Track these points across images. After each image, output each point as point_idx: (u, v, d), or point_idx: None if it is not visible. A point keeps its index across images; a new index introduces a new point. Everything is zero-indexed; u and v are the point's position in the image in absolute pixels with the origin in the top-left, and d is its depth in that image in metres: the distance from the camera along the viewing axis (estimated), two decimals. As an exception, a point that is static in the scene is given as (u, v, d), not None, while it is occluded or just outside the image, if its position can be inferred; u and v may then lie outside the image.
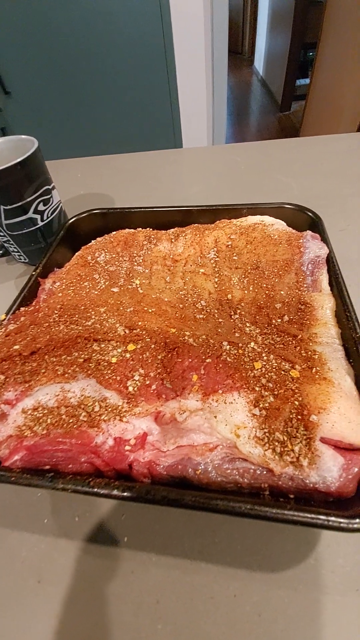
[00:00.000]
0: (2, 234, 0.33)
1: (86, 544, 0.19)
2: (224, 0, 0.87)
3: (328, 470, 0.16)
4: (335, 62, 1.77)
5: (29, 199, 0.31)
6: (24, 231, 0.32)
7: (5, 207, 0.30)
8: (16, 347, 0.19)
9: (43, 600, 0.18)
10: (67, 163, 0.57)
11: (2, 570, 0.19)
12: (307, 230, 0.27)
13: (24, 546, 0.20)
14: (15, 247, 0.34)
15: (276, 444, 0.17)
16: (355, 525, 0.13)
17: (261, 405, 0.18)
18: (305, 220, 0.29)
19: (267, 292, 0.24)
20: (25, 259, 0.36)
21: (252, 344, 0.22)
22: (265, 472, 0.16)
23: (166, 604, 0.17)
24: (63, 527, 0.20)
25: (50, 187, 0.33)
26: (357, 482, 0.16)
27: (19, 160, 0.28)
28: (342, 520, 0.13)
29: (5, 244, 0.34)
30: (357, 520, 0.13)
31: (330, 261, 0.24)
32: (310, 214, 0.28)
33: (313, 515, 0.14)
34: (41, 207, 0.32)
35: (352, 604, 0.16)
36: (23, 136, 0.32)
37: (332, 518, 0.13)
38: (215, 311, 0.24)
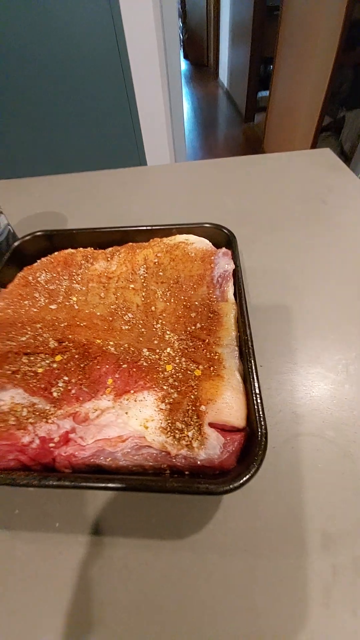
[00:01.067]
0: None
1: (22, 532, 0.22)
2: (173, 12, 0.93)
3: (213, 449, 0.20)
4: (291, 77, 1.89)
5: (-27, 225, 0.33)
6: (-29, 254, 0.35)
7: None
8: None
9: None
10: (25, 182, 0.59)
11: None
12: (222, 248, 0.32)
13: (-35, 541, 0.22)
14: (-36, 269, 0.36)
15: (176, 431, 0.21)
16: (220, 489, 0.17)
17: (167, 401, 0.22)
18: (223, 237, 0.33)
19: (184, 303, 0.28)
20: (-25, 280, 0.38)
21: (169, 349, 0.25)
22: (164, 455, 0.20)
23: (86, 577, 0.20)
24: (3, 520, 0.22)
25: (-4, 212, 0.36)
26: (235, 456, 0.20)
27: None
28: (209, 485, 0.17)
29: None
30: (221, 486, 0.17)
31: (236, 274, 0.29)
32: (225, 232, 0.33)
33: (190, 484, 0.17)
34: (-13, 232, 0.35)
35: (239, 560, 0.20)
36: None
37: (202, 485, 0.17)
38: (141, 322, 0.28)
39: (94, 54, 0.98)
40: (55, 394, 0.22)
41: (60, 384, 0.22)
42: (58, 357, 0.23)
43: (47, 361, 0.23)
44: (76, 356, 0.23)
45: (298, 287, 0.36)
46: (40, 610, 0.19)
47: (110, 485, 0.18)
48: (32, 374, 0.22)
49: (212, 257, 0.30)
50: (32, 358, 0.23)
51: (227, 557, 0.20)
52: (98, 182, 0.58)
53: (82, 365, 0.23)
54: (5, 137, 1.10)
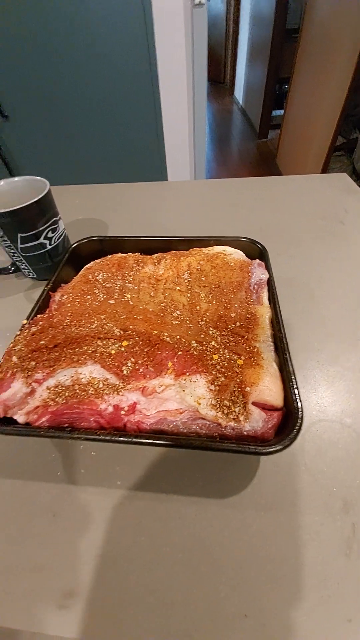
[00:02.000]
0: (16, 255, 0.40)
1: (90, 488, 0.26)
2: (203, 36, 1.00)
3: (256, 422, 0.24)
4: (306, 97, 1.97)
5: (41, 228, 0.38)
6: (35, 253, 0.40)
7: (22, 235, 0.37)
8: (42, 342, 0.27)
9: (58, 528, 0.25)
10: (68, 189, 0.65)
11: (25, 509, 0.26)
12: (256, 259, 0.37)
13: (41, 491, 0.26)
14: (26, 266, 0.42)
15: (224, 407, 0.25)
16: (266, 450, 0.21)
17: (215, 383, 0.26)
18: (256, 250, 0.38)
19: (225, 305, 0.33)
20: (33, 275, 0.43)
21: (213, 342, 0.30)
22: (216, 426, 0.24)
23: (146, 523, 0.24)
24: (72, 477, 0.27)
25: (57, 218, 0.41)
26: (274, 429, 0.24)
27: (35, 199, 0.36)
28: (258, 447, 0.22)
29: (18, 263, 0.42)
30: (268, 447, 0.22)
31: (270, 283, 0.34)
32: (259, 246, 0.38)
33: (243, 446, 0.22)
34: (50, 234, 0.40)
35: (271, 518, 0.24)
36: (37, 177, 0.40)
37: (252, 446, 0.22)
38: (187, 319, 0.33)
39: (128, 76, 1.05)
40: (125, 372, 0.26)
41: (129, 364, 0.27)
42: (125, 343, 0.28)
43: (116, 345, 0.28)
44: (140, 342, 0.28)
45: (318, 296, 0.40)
46: (106, 549, 0.24)
47: (176, 442, 0.22)
48: (107, 354, 0.27)
49: (249, 267, 0.35)
50: (104, 342, 0.28)
51: (262, 513, 0.24)
52: (132, 193, 0.64)
53: (145, 350, 0.28)
54: (44, 149, 1.17)
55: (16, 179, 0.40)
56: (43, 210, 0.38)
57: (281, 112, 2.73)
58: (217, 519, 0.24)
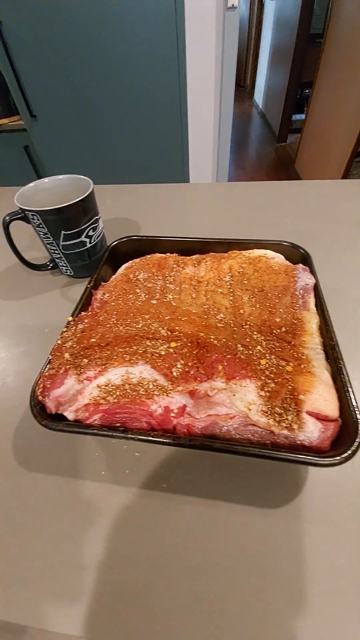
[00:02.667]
0: (57, 252, 0.40)
1: (135, 489, 0.26)
2: (234, 40, 1.00)
3: (310, 433, 0.23)
4: (330, 101, 1.95)
5: (83, 227, 0.39)
6: (75, 251, 0.40)
7: (65, 232, 0.38)
8: (93, 339, 0.27)
9: (104, 528, 0.25)
10: (98, 188, 0.65)
11: (72, 506, 0.26)
12: (300, 264, 0.36)
13: (87, 490, 0.26)
14: (64, 263, 0.42)
15: (275, 415, 0.24)
16: (326, 462, 0.21)
17: (265, 389, 0.26)
18: (298, 255, 0.38)
19: (269, 309, 0.32)
20: (70, 273, 0.43)
21: (259, 347, 0.29)
22: (268, 433, 0.24)
23: (195, 529, 0.24)
24: (116, 477, 0.27)
25: (98, 217, 0.41)
26: (330, 441, 0.23)
27: (81, 197, 0.36)
28: (318, 459, 0.21)
29: (57, 260, 0.42)
30: (329, 459, 0.21)
31: (316, 288, 0.33)
32: (302, 251, 0.37)
33: (301, 455, 0.21)
34: (91, 233, 0.40)
35: (322, 531, 0.24)
36: (81, 176, 0.40)
37: (313, 458, 0.21)
38: (231, 322, 0.32)
39: (156, 77, 1.06)
40: (174, 373, 0.26)
41: (179, 366, 0.26)
42: (173, 344, 0.28)
43: (165, 346, 0.28)
44: (188, 344, 0.28)
45: (357, 304, 0.39)
46: (155, 552, 0.23)
47: (232, 449, 0.22)
48: (158, 355, 0.26)
49: (294, 272, 0.35)
50: (153, 342, 0.28)
51: (314, 526, 0.24)
52: (161, 194, 0.64)
53: (194, 352, 0.27)
54: (70, 149, 1.18)
55: (60, 177, 0.41)
56: (86, 208, 0.38)
57: (301, 116, 2.72)
58: (266, 529, 0.24)
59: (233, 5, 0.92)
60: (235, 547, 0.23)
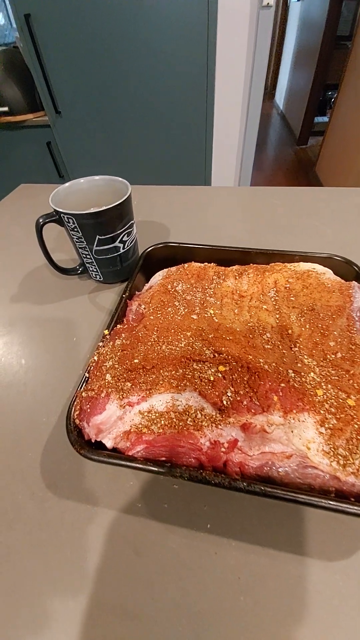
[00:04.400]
0: (88, 256, 0.38)
1: (174, 527, 0.24)
2: (266, 40, 0.96)
3: (383, 481, 0.21)
4: (355, 105, 1.89)
5: (118, 232, 0.36)
6: (107, 256, 0.38)
7: (99, 237, 0.35)
8: (136, 361, 0.25)
9: (139, 568, 0.22)
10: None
11: (105, 542, 0.23)
12: (354, 281, 0.33)
13: (121, 524, 0.24)
14: (95, 268, 0.40)
15: (339, 457, 0.22)
16: None
17: (326, 425, 0.23)
18: (349, 271, 0.35)
19: (322, 331, 0.30)
20: (100, 278, 0.41)
21: (312, 374, 0.27)
22: (331, 478, 0.21)
23: (245, 580, 0.22)
24: (153, 511, 0.24)
25: (133, 221, 0.39)
26: None
27: (119, 202, 0.34)
28: None
29: (87, 264, 0.40)
30: None
31: (376, 311, 0.30)
32: (355, 268, 0.34)
33: (377, 511, 0.18)
34: (125, 238, 0.38)
35: (392, 591, 0.21)
36: (118, 178, 0.38)
37: (393, 514, 0.18)
38: (279, 343, 0.29)
39: (184, 76, 1.03)
40: (225, 402, 0.24)
41: (229, 394, 0.24)
42: (221, 368, 0.25)
43: (213, 370, 0.25)
44: (238, 369, 0.25)
45: None
46: (203, 604, 0.21)
47: (298, 499, 0.19)
48: (207, 380, 0.24)
49: (350, 291, 0.32)
50: (200, 365, 0.25)
51: (383, 587, 0.21)
52: (192, 197, 0.61)
53: (245, 379, 0.25)
54: (92, 147, 1.17)
55: (97, 178, 0.38)
56: (123, 213, 0.36)
57: (323, 118, 2.66)
58: (325, 584, 0.21)
59: (268, 3, 0.88)
60: (289, 603, 0.21)
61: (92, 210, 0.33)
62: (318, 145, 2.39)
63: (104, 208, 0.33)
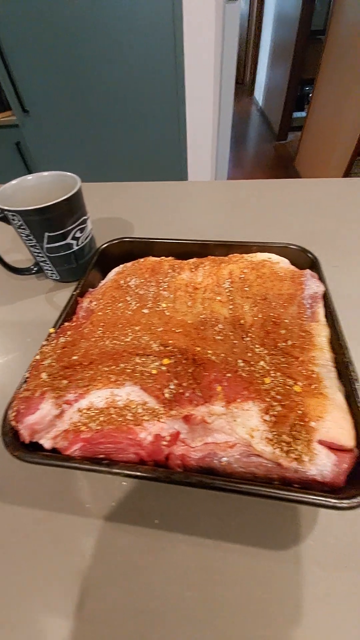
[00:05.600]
0: (40, 255, 0.37)
1: (122, 525, 0.23)
2: (234, 34, 0.96)
3: (324, 466, 0.20)
4: (332, 99, 1.91)
5: (69, 228, 0.35)
6: (60, 254, 0.37)
7: (49, 234, 0.34)
8: (75, 357, 0.24)
9: (87, 572, 0.21)
10: (89, 187, 0.62)
11: (52, 547, 0.22)
12: (307, 270, 0.33)
13: (68, 526, 0.23)
14: (49, 267, 0.39)
15: (283, 444, 0.21)
16: (344, 504, 0.18)
17: (271, 413, 0.23)
18: (305, 260, 0.35)
19: (273, 320, 0.29)
20: (56, 277, 0.40)
21: (262, 362, 0.26)
22: (275, 466, 0.21)
23: (193, 575, 0.21)
24: (102, 511, 0.24)
25: (86, 217, 0.38)
26: (346, 475, 0.20)
27: (66, 196, 0.33)
28: (335, 500, 0.18)
29: (41, 263, 0.39)
30: (346, 501, 0.18)
31: (326, 296, 0.30)
32: (310, 255, 0.34)
33: (315, 497, 0.18)
34: (78, 234, 0.37)
35: (341, 578, 0.21)
36: (67, 173, 0.37)
37: (329, 499, 0.18)
38: (230, 333, 0.29)
39: (152, 71, 1.02)
40: (167, 395, 0.23)
41: (172, 386, 0.23)
42: (166, 361, 0.25)
43: (156, 363, 0.24)
44: (183, 361, 0.25)
45: (369, 312, 0.36)
46: (150, 603, 0.20)
47: (235, 488, 0.19)
48: (148, 374, 0.23)
49: (301, 279, 0.32)
50: (143, 359, 0.24)
51: (331, 573, 0.21)
52: (157, 192, 0.60)
53: (189, 370, 0.24)
54: (63, 145, 1.15)
55: (45, 173, 0.37)
56: (73, 208, 0.35)
57: (301, 113, 2.68)
58: (276, 575, 0.21)
59: (233, -4, 0.88)
60: (237, 596, 0.20)
61: (38, 206, 0.32)
62: (297, 141, 2.41)
63: (50, 203, 0.32)
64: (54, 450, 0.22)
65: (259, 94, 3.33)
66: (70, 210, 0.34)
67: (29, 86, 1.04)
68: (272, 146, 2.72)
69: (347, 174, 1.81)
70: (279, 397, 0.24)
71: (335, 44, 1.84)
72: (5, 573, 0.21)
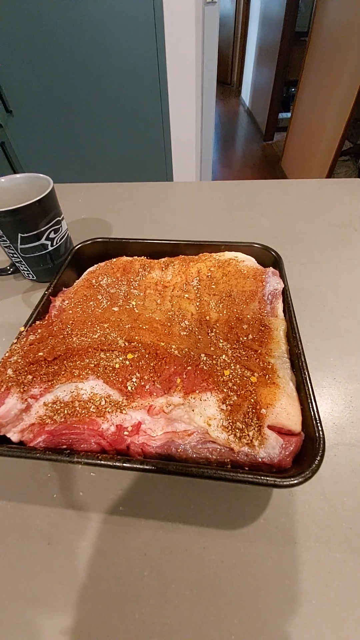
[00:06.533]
0: (15, 255, 0.38)
1: (89, 513, 0.24)
2: (214, 36, 0.98)
3: (272, 448, 0.22)
4: (314, 100, 1.95)
5: (42, 229, 0.36)
6: (35, 254, 0.38)
7: (22, 235, 0.35)
8: (40, 353, 0.25)
9: (52, 558, 0.23)
10: (71, 187, 0.63)
11: (17, 536, 0.23)
12: (270, 267, 0.35)
13: (36, 517, 0.24)
14: (25, 267, 0.39)
15: (237, 430, 0.23)
16: (285, 483, 0.19)
17: (227, 402, 0.24)
18: (270, 257, 0.36)
19: (236, 315, 0.31)
20: (33, 277, 0.41)
21: (224, 356, 0.28)
22: (228, 450, 0.22)
23: (152, 556, 0.22)
24: (69, 501, 0.25)
25: (60, 218, 0.39)
26: (292, 457, 0.22)
27: (38, 198, 0.34)
28: (276, 479, 0.19)
29: (17, 264, 0.40)
30: (287, 480, 0.20)
31: (285, 293, 0.31)
32: (273, 253, 0.36)
33: (258, 477, 0.20)
34: (52, 235, 0.38)
35: (290, 553, 0.22)
36: (40, 174, 0.38)
37: (270, 478, 0.20)
38: (196, 329, 0.30)
39: (135, 73, 1.03)
40: (129, 388, 0.24)
41: (134, 379, 0.25)
42: (130, 355, 0.26)
43: (120, 358, 0.26)
44: (146, 356, 0.26)
45: (332, 306, 0.38)
46: (109, 584, 0.21)
47: (187, 471, 0.20)
48: (111, 368, 0.25)
49: (263, 276, 0.33)
50: (108, 354, 0.26)
51: (278, 548, 0.22)
52: (137, 193, 0.61)
53: (152, 364, 0.26)
54: (48, 146, 1.14)
55: (18, 175, 0.38)
56: (46, 209, 0.36)
57: (288, 114, 2.72)
58: (228, 553, 0.22)
59: (212, 0, 0.90)
60: (193, 574, 0.22)
61: (9, 208, 0.32)
62: (283, 141, 2.44)
63: (22, 205, 0.33)
64: (21, 443, 0.23)
65: (245, 94, 3.36)
66: (43, 211, 0.35)
67: (12, 87, 1.04)
68: (259, 146, 2.75)
69: (331, 173, 1.85)
70: (235, 387, 0.25)
71: (318, 45, 1.87)
72: (-25, 561, 0.22)
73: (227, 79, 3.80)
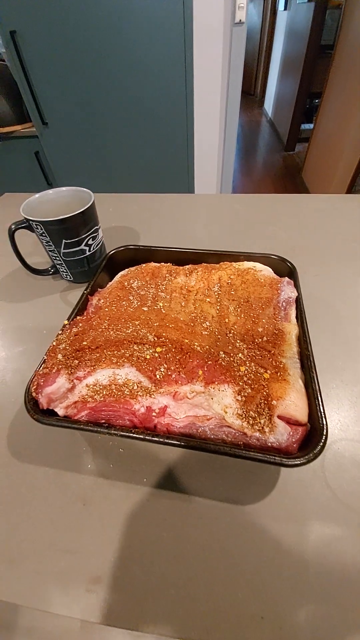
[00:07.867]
0: (57, 258, 0.43)
1: (118, 482, 0.28)
2: (240, 54, 1.02)
3: (280, 435, 0.25)
4: (338, 112, 1.97)
5: (83, 236, 0.41)
6: (75, 258, 0.43)
7: (66, 241, 0.40)
8: (84, 342, 0.29)
9: (86, 516, 0.27)
10: (101, 197, 0.68)
11: (58, 496, 0.28)
12: (285, 277, 0.38)
13: (74, 482, 0.28)
14: (65, 269, 0.45)
15: (250, 418, 0.26)
16: (290, 462, 0.23)
17: (242, 394, 0.28)
18: (286, 268, 0.40)
19: (253, 319, 0.34)
20: (70, 278, 0.46)
21: (240, 354, 0.31)
22: (241, 434, 0.26)
23: (170, 520, 0.26)
24: (101, 471, 0.29)
25: (98, 227, 0.44)
26: (298, 444, 0.25)
27: (82, 210, 0.39)
28: (283, 459, 0.23)
29: (58, 266, 0.45)
30: (292, 460, 0.23)
31: (298, 301, 0.35)
32: (289, 264, 0.39)
33: (268, 455, 0.23)
34: (90, 242, 0.43)
35: (291, 529, 0.25)
36: (82, 188, 0.43)
37: (277, 457, 0.23)
38: (216, 330, 0.34)
39: (164, 88, 1.09)
40: (158, 376, 0.28)
41: (162, 369, 0.29)
42: (158, 349, 0.30)
43: (151, 351, 0.30)
44: (172, 350, 0.30)
45: (343, 316, 0.41)
46: (133, 540, 0.25)
47: (205, 447, 0.24)
48: (143, 358, 0.29)
49: (279, 285, 0.37)
50: (140, 347, 0.30)
51: (281, 524, 0.25)
52: (163, 204, 0.66)
53: (177, 357, 0.29)
54: (78, 157, 1.22)
55: (63, 189, 0.43)
56: (87, 219, 0.41)
57: (310, 125, 2.74)
58: (237, 524, 0.26)
59: (240, 20, 0.95)
60: (205, 537, 0.25)
61: (57, 217, 0.37)
62: (304, 152, 2.46)
63: (67, 215, 0.38)
64: (65, 417, 0.28)
65: (268, 105, 3.41)
66: (84, 221, 0.40)
67: (48, 100, 1.12)
68: (281, 156, 2.78)
69: (352, 186, 1.85)
70: (250, 381, 0.29)
71: (343, 58, 1.89)
72: (19, 514, 0.27)
73: (251, 90, 3.86)
